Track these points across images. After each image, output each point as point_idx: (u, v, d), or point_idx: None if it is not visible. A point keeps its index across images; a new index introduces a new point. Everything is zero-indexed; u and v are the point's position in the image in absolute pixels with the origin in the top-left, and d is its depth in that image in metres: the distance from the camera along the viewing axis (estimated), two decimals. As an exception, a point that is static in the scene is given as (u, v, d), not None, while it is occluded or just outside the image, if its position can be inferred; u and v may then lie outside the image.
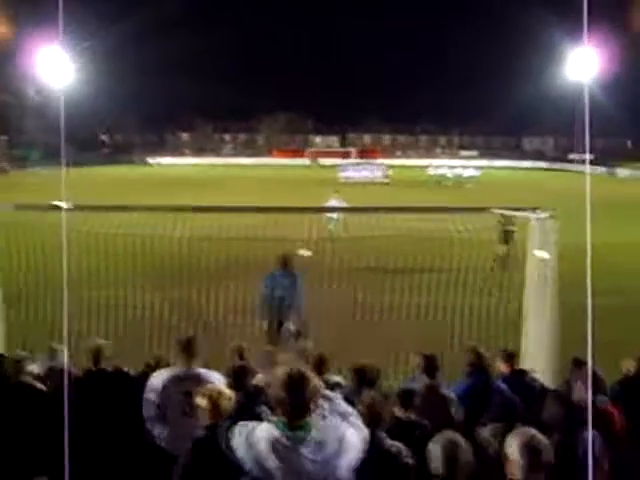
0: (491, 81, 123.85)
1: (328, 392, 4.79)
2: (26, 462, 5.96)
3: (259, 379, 4.92)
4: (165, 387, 6.67)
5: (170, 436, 6.63)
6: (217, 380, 6.62)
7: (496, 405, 6.04)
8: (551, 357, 9.65)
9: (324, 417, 4.50)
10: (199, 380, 6.54)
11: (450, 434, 5.11)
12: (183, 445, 5.85)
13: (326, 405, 4.63)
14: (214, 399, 5.51)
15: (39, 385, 7.08)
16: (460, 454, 4.86)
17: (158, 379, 6.79)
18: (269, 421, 4.41)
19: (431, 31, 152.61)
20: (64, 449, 4.60)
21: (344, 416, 4.60)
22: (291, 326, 12.12)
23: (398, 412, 6.28)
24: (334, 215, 25.35)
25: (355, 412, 4.77)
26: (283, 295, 12.31)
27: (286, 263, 12.68)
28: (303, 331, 12.07)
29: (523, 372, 8.14)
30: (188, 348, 6.81)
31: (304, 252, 13.79)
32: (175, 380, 6.68)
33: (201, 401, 5.57)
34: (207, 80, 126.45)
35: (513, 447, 4.54)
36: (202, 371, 6.83)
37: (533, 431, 4.66)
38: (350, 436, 4.39)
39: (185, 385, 6.57)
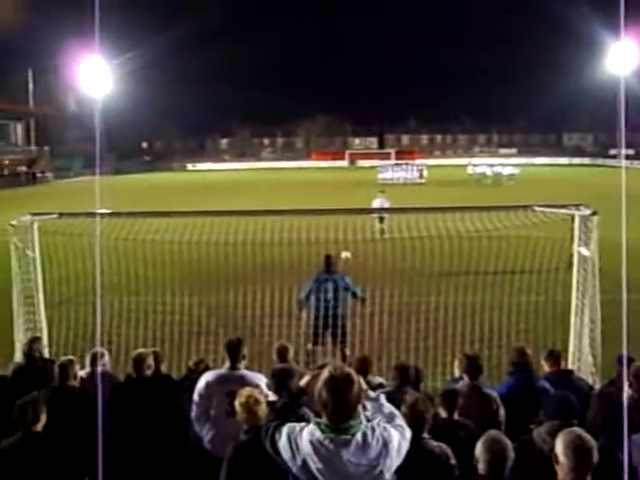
0: (529, 78, 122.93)
1: (372, 393, 4.71)
2: (73, 465, 6.00)
3: (304, 381, 4.86)
4: (209, 387, 6.68)
5: (213, 437, 6.64)
6: (260, 381, 6.64)
7: (552, 403, 5.89)
8: (594, 354, 9.47)
9: (368, 419, 4.44)
10: (243, 381, 6.54)
11: (495, 433, 5.08)
12: (226, 445, 5.85)
13: (370, 406, 4.57)
14: (250, 406, 5.51)
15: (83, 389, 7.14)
16: (506, 453, 4.83)
17: (203, 380, 6.81)
18: (313, 423, 4.36)
19: (468, 29, 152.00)
20: (98, 452, 4.60)
21: (389, 418, 4.52)
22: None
23: (442, 413, 6.21)
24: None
25: (399, 414, 4.70)
26: (327, 299, 11.79)
27: (330, 265, 12.26)
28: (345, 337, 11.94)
29: (569, 372, 7.97)
30: (235, 349, 6.81)
31: (345, 254, 13.65)
32: (219, 380, 6.68)
33: (237, 407, 5.57)
34: (246, 86, 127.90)
35: (559, 447, 4.45)
36: (246, 372, 6.82)
37: (579, 431, 4.55)
38: (394, 439, 4.30)
39: (229, 386, 6.54)
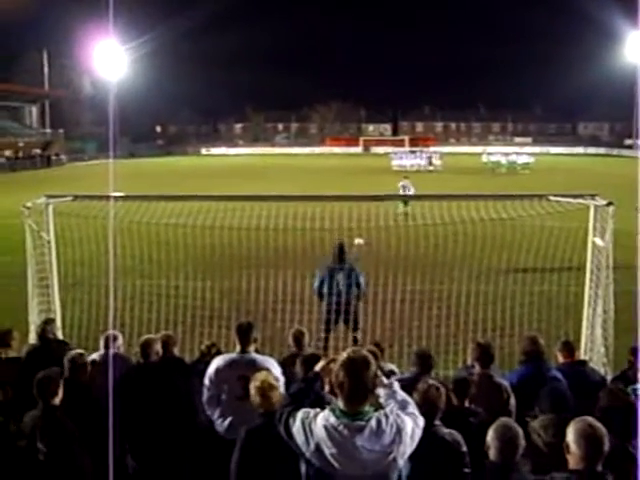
0: (546, 66, 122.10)
1: (386, 380, 4.73)
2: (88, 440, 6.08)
3: (320, 365, 4.88)
4: (220, 371, 6.69)
5: (225, 420, 6.67)
6: (272, 366, 6.64)
7: (546, 397, 5.90)
8: (607, 345, 9.45)
9: (381, 405, 4.47)
10: (254, 365, 6.56)
11: (506, 420, 5.11)
12: (238, 429, 5.88)
13: (383, 393, 4.58)
14: (264, 390, 5.52)
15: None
16: (517, 440, 4.86)
17: (214, 364, 6.83)
18: (328, 409, 4.38)
19: (484, 16, 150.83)
20: (108, 436, 4.65)
21: (402, 405, 4.55)
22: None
23: (454, 400, 6.23)
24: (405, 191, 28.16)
25: (412, 401, 4.71)
26: (339, 289, 11.66)
27: (342, 254, 12.06)
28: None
29: (582, 362, 7.93)
30: (246, 333, 6.82)
31: (359, 241, 13.60)
32: (230, 364, 6.70)
33: (252, 391, 5.58)
34: (260, 71, 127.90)
35: (570, 436, 4.46)
36: (257, 356, 6.83)
37: (590, 420, 4.56)
38: (408, 426, 4.33)
39: (240, 369, 6.57)
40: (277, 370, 6.53)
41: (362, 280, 12.07)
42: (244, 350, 6.76)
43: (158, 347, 7.41)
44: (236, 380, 6.51)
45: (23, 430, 5.92)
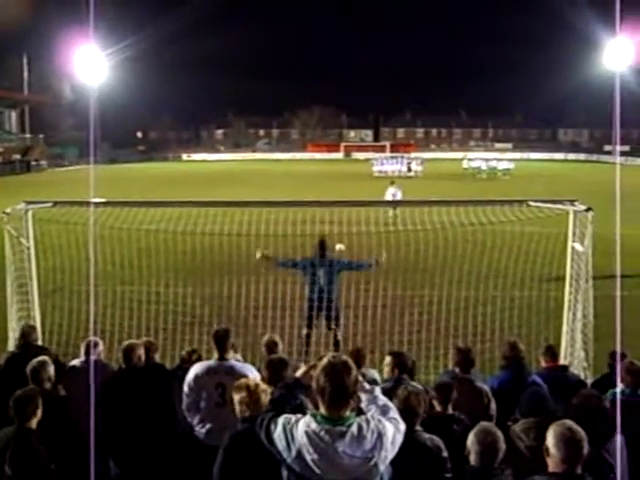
0: (526, 73, 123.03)
1: (367, 385, 4.73)
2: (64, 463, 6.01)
3: (300, 372, 4.88)
4: (198, 378, 6.68)
5: (204, 427, 6.65)
6: (250, 372, 6.62)
7: (526, 400, 5.94)
8: (587, 349, 9.52)
9: (362, 411, 4.48)
10: (232, 372, 6.55)
11: (487, 425, 5.13)
12: (217, 436, 5.92)
13: (364, 398, 4.59)
14: (252, 392, 5.49)
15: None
16: (497, 445, 4.89)
17: (192, 372, 6.82)
18: (310, 414, 4.39)
19: (465, 23, 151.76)
20: (90, 445, 4.61)
21: (383, 410, 4.55)
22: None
23: (437, 406, 6.25)
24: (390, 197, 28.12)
25: (393, 406, 4.72)
26: (321, 285, 11.68)
27: (324, 249, 12.01)
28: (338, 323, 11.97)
29: (563, 368, 7.98)
30: (223, 340, 6.80)
31: (340, 246, 13.58)
32: (208, 372, 6.68)
33: (238, 394, 5.55)
34: (241, 77, 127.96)
35: (549, 439, 4.50)
36: (235, 363, 6.82)
37: (570, 423, 4.59)
38: (389, 431, 4.33)
39: (218, 377, 6.57)
40: (256, 376, 6.52)
41: (355, 263, 12.22)
42: (222, 357, 6.74)
43: (141, 352, 7.36)
44: (214, 387, 6.52)
45: None
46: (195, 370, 6.78)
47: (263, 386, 5.60)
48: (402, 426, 4.48)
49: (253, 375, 6.50)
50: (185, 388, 6.74)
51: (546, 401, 5.85)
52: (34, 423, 5.88)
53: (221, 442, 5.51)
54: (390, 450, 4.30)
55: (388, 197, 29.98)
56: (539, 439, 5.10)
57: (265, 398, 5.45)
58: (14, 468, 5.61)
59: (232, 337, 6.92)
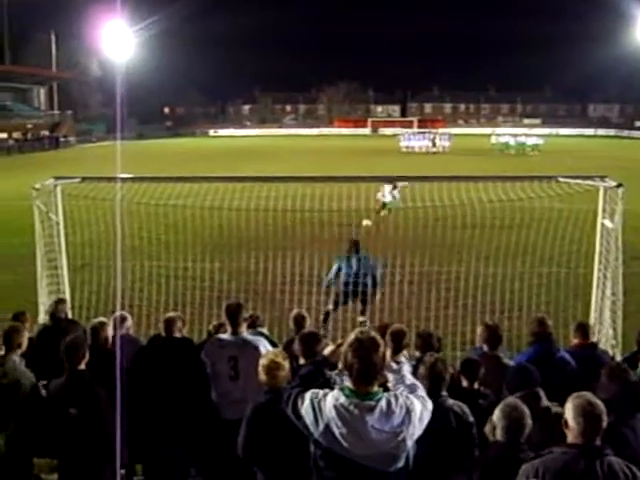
0: (555, 47, 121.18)
1: (394, 365, 4.75)
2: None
3: (328, 350, 4.90)
4: (211, 352, 6.77)
5: (218, 400, 6.74)
6: (263, 346, 6.67)
7: (512, 377, 5.91)
8: (615, 327, 9.43)
9: (389, 389, 4.49)
10: (244, 345, 6.63)
11: (513, 401, 5.10)
12: (231, 409, 6.13)
13: (392, 377, 4.61)
14: (271, 369, 5.52)
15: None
16: (523, 421, 4.87)
17: (206, 345, 6.93)
18: (338, 388, 4.40)
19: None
20: (116, 413, 4.67)
21: (411, 388, 4.56)
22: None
23: (463, 382, 6.26)
24: (389, 198, 23.34)
25: (421, 385, 4.72)
26: (357, 272, 11.92)
27: (357, 251, 12.31)
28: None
29: (593, 345, 7.88)
30: (235, 315, 6.81)
31: (366, 222, 13.57)
32: (221, 345, 6.75)
33: (260, 366, 5.58)
34: (268, 52, 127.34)
35: (568, 412, 4.46)
36: (247, 337, 6.84)
37: (589, 396, 4.53)
38: (417, 407, 4.33)
39: (230, 350, 6.63)
40: (269, 349, 6.51)
41: (378, 273, 12.23)
42: (235, 331, 6.77)
43: (180, 324, 7.41)
44: (227, 361, 6.59)
45: (51, 396, 6.11)
46: (209, 344, 6.90)
47: (281, 360, 5.62)
48: (429, 404, 4.48)
49: (265, 349, 6.54)
50: (204, 359, 6.85)
51: (532, 373, 5.80)
52: (83, 365, 6.18)
53: (233, 415, 5.55)
54: (418, 426, 4.31)
55: (386, 195, 24.01)
56: (533, 409, 5.11)
57: (284, 373, 5.52)
58: (78, 407, 5.93)
59: (244, 311, 6.91)
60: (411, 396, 4.40)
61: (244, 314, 6.91)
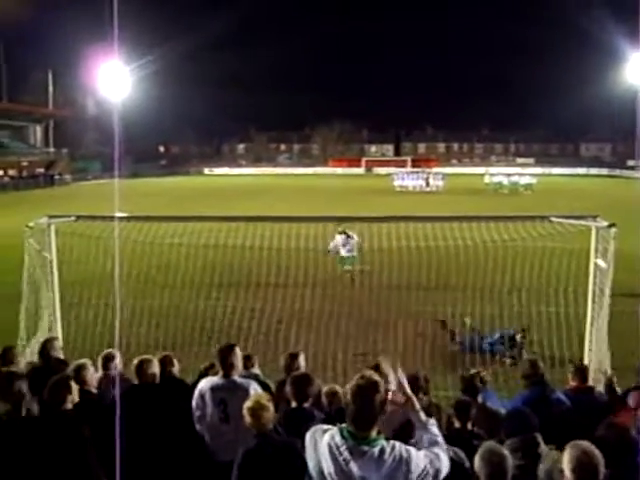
0: (548, 87, 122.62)
1: (423, 416, 4.62)
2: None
3: (327, 388, 4.89)
4: (202, 395, 6.75)
5: (211, 442, 6.71)
6: (253, 389, 6.59)
7: (510, 420, 5.84)
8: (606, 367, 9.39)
9: (414, 443, 4.42)
10: (234, 388, 6.58)
11: (492, 445, 4.99)
12: (222, 451, 6.11)
13: (425, 437, 4.50)
14: (255, 411, 5.49)
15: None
16: (504, 465, 4.73)
17: (197, 388, 6.88)
18: (337, 428, 4.36)
19: (487, 39, 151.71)
20: (116, 456, 4.61)
21: (430, 443, 4.46)
22: None
23: (456, 423, 6.23)
24: (346, 252, 20.09)
25: (442, 441, 4.57)
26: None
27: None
28: None
29: (590, 389, 7.78)
30: (225, 357, 6.76)
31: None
32: (212, 388, 6.71)
33: (246, 410, 5.54)
34: (263, 91, 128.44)
35: (565, 463, 4.37)
36: (239, 380, 6.78)
37: (586, 446, 4.45)
38: (418, 463, 4.22)
39: (221, 393, 6.61)
40: (259, 392, 6.47)
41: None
42: (226, 374, 6.73)
43: (154, 368, 7.35)
44: (217, 404, 6.59)
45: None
46: (199, 387, 6.85)
47: (267, 406, 5.57)
48: (442, 464, 4.34)
49: (255, 391, 6.48)
50: (193, 404, 6.82)
51: (530, 418, 5.73)
52: (70, 404, 6.01)
53: (225, 457, 5.51)
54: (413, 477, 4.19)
55: (338, 243, 20.28)
56: (527, 457, 5.13)
57: (268, 414, 5.48)
58: (61, 447, 5.72)
59: (236, 354, 6.85)
60: (412, 449, 4.29)
61: (238, 355, 6.86)
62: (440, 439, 4.57)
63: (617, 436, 5.40)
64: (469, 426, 6.19)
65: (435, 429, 4.60)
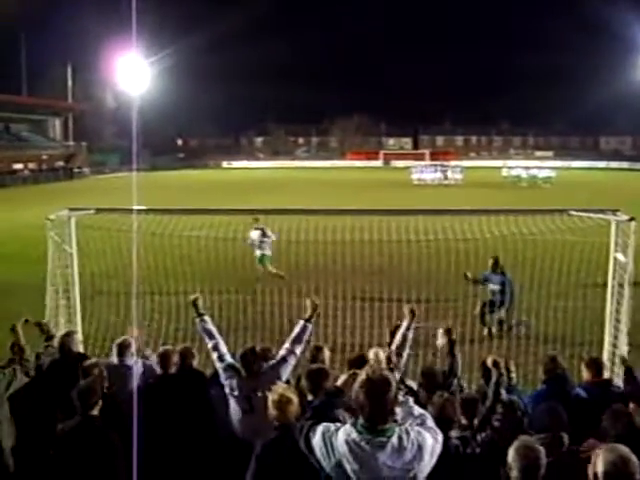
0: (567, 80, 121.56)
1: (401, 397, 4.67)
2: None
3: (341, 380, 4.88)
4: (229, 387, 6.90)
5: (239, 431, 6.81)
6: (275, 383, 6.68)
7: (541, 416, 5.78)
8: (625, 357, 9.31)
9: (399, 422, 4.43)
10: (257, 383, 6.70)
11: (527, 440, 4.95)
12: (250, 430, 6.28)
13: (399, 410, 4.55)
14: (281, 404, 5.52)
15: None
16: (539, 461, 4.69)
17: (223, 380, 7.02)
18: (350, 424, 4.36)
19: (506, 32, 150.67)
20: (133, 447, 4.65)
21: (421, 420, 4.54)
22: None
23: (462, 420, 6.15)
24: (258, 251, 19.00)
25: (429, 415, 4.69)
26: (495, 291, 14.31)
27: (496, 266, 14.49)
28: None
29: (607, 382, 7.73)
30: (249, 362, 6.92)
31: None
32: (237, 382, 6.84)
33: (270, 403, 5.58)
34: (281, 84, 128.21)
35: (599, 467, 4.26)
36: (261, 375, 6.89)
37: (622, 450, 4.32)
38: (428, 442, 4.30)
39: (248, 386, 6.75)
40: (283, 386, 6.52)
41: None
42: (248, 370, 6.92)
43: (176, 358, 7.47)
44: (242, 396, 6.76)
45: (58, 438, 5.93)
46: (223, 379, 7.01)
47: (291, 395, 5.62)
48: (440, 436, 4.45)
49: (279, 385, 6.54)
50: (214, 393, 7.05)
51: (561, 416, 5.68)
52: (96, 411, 6.03)
53: (253, 449, 5.56)
54: (429, 462, 4.28)
55: (254, 238, 19.14)
56: (554, 453, 5.06)
57: (293, 407, 5.50)
58: (87, 454, 5.74)
59: (259, 358, 7.05)
60: (422, 430, 4.36)
61: (257, 359, 7.03)
62: (425, 412, 4.72)
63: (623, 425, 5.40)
64: (475, 422, 6.13)
65: (416, 406, 4.75)
